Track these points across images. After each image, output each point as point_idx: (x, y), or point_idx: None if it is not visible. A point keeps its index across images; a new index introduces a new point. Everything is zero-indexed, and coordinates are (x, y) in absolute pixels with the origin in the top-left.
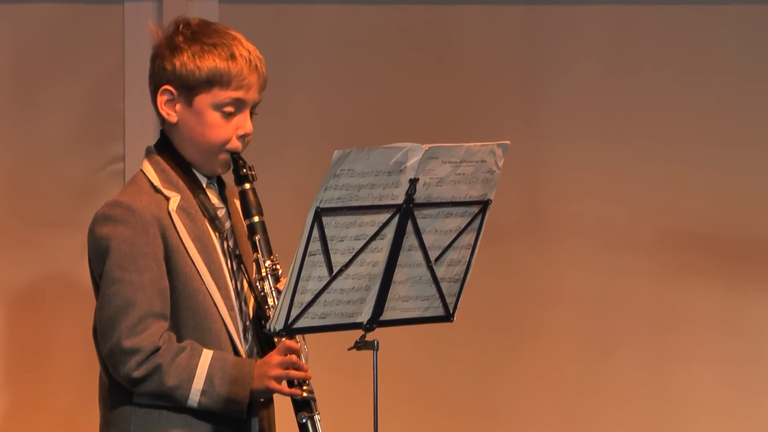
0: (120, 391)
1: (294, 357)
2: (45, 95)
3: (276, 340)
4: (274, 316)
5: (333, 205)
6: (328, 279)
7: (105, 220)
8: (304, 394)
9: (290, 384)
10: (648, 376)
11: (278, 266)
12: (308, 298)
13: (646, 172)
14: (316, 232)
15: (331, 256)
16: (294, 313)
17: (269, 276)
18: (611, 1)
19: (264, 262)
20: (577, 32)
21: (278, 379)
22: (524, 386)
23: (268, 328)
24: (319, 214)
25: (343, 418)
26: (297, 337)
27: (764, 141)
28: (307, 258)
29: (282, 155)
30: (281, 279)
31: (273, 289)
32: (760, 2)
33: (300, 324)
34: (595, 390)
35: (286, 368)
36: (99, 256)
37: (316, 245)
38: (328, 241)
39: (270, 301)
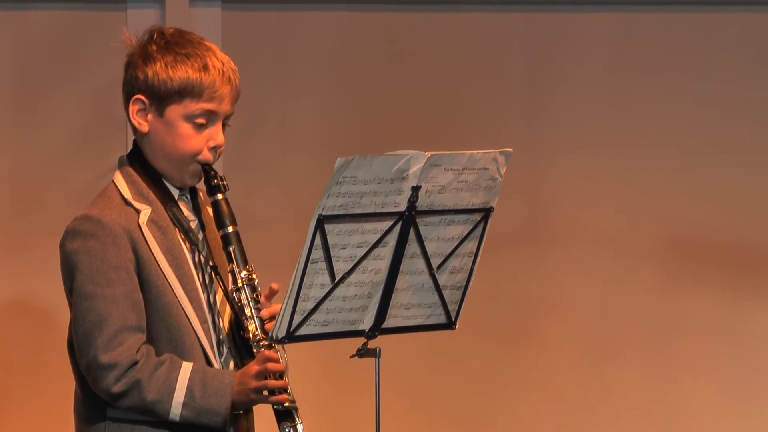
0: (94, 404)
1: (270, 365)
2: (47, 102)
3: (255, 351)
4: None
5: (335, 212)
6: (330, 286)
7: (75, 235)
8: (286, 404)
9: (271, 393)
10: (648, 385)
11: (254, 276)
12: (310, 305)
13: (647, 181)
14: (318, 240)
15: (334, 263)
16: (296, 320)
17: (245, 286)
18: (614, 9)
19: (239, 272)
20: (579, 40)
21: (259, 390)
22: (525, 394)
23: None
24: (322, 221)
25: (344, 425)
26: (277, 348)
27: (766, 149)
28: (309, 265)
29: (283, 161)
30: (258, 289)
31: (250, 299)
32: (764, 10)
33: (302, 331)
34: (595, 398)
35: (264, 378)
36: (69, 271)
37: (318, 252)
38: (331, 249)
39: (247, 312)
